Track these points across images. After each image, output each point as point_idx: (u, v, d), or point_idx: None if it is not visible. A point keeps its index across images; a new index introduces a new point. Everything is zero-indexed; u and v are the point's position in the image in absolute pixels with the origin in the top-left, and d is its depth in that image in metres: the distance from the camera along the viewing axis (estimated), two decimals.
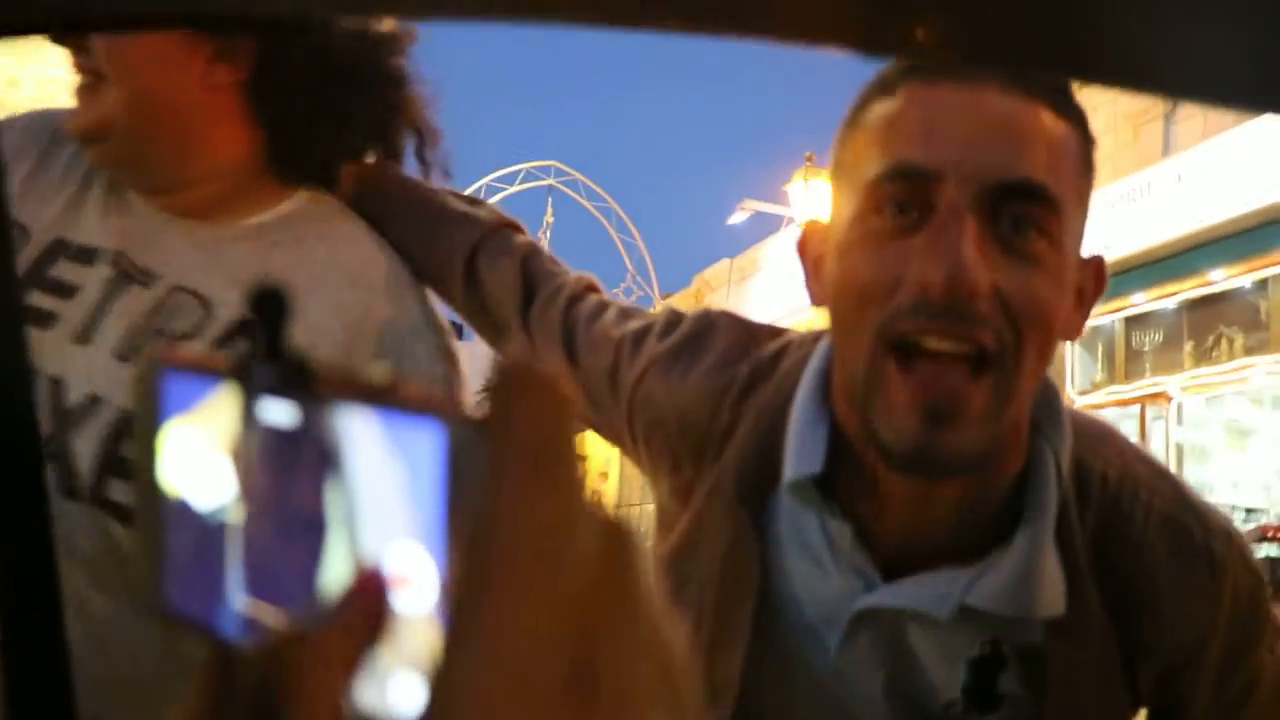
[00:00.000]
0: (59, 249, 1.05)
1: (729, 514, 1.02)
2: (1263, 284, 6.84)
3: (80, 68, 1.02)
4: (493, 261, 1.23)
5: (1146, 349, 7.73)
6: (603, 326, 1.18)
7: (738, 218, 13.99)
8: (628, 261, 15.98)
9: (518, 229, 1.26)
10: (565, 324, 1.20)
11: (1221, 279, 7.02)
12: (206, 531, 0.37)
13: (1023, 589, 0.91)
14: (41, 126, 1.13)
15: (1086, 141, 0.92)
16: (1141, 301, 7.50)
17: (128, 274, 1.05)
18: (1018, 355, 0.85)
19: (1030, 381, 0.88)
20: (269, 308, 0.35)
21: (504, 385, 0.29)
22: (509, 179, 15.27)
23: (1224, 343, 7.20)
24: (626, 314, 1.21)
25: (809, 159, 11.14)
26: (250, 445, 0.36)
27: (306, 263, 1.07)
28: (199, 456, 0.37)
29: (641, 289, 16.20)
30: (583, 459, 0.30)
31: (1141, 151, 7.80)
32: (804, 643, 1.01)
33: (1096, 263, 0.96)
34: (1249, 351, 6.97)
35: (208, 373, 0.37)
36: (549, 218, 16.13)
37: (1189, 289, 7.24)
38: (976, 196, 0.84)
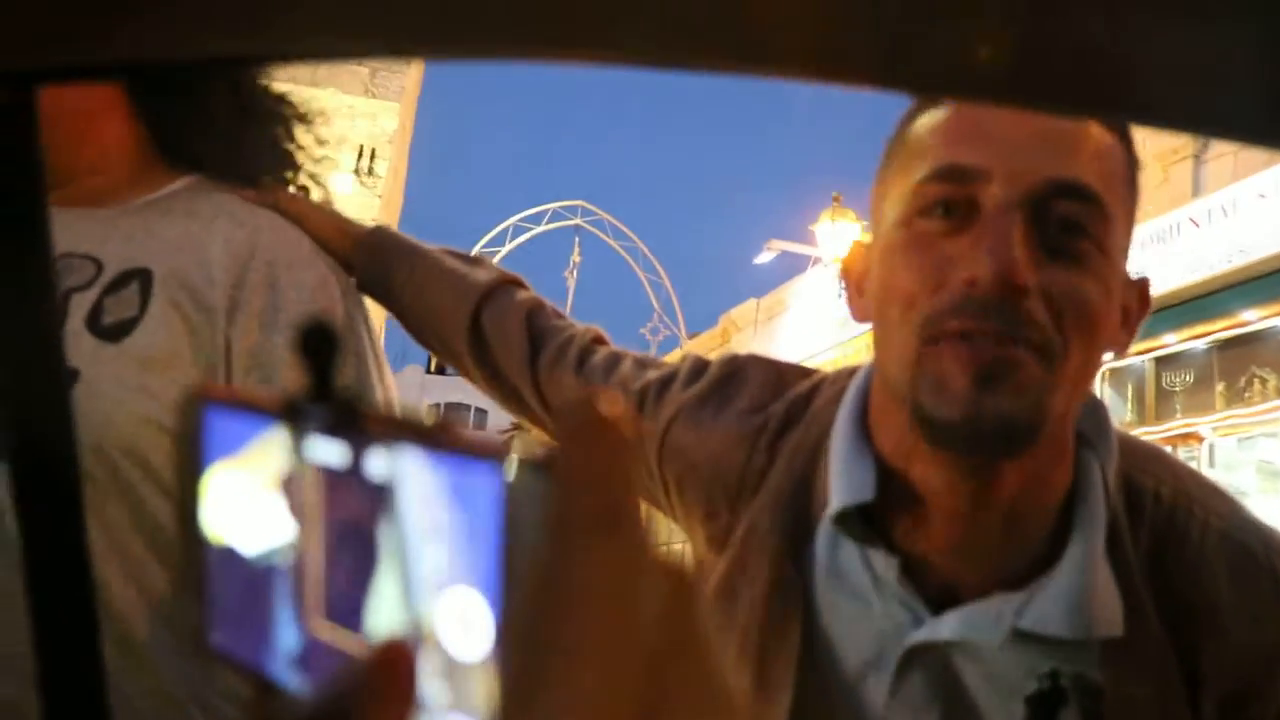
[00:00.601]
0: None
1: (767, 556, 1.00)
2: None
3: None
4: (496, 321, 1.22)
5: (1177, 389, 7.69)
6: (620, 379, 1.17)
7: (764, 258, 14.03)
8: (654, 301, 16.02)
9: (519, 284, 1.25)
10: (579, 379, 1.18)
11: (1254, 319, 6.98)
12: (254, 573, 0.37)
13: (1077, 609, 0.88)
14: None
15: (1132, 160, 0.91)
16: (1172, 342, 7.47)
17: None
18: (1064, 353, 0.84)
19: (1076, 380, 0.86)
20: (318, 345, 0.35)
21: (569, 425, 0.29)
22: (536, 219, 15.37)
23: (1256, 383, 7.15)
24: (643, 364, 1.20)
25: (836, 199, 11.19)
26: (300, 486, 0.35)
27: (197, 218, 1.12)
28: (246, 498, 0.37)
29: (668, 329, 16.22)
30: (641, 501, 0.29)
31: (1172, 192, 7.78)
32: (851, 689, 0.98)
33: (1142, 284, 0.95)
34: None
35: (254, 411, 0.37)
36: (576, 257, 16.20)
37: (1220, 329, 7.20)
38: (1024, 195, 0.83)
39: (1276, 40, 0.41)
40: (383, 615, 0.33)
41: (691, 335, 16.81)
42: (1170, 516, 0.94)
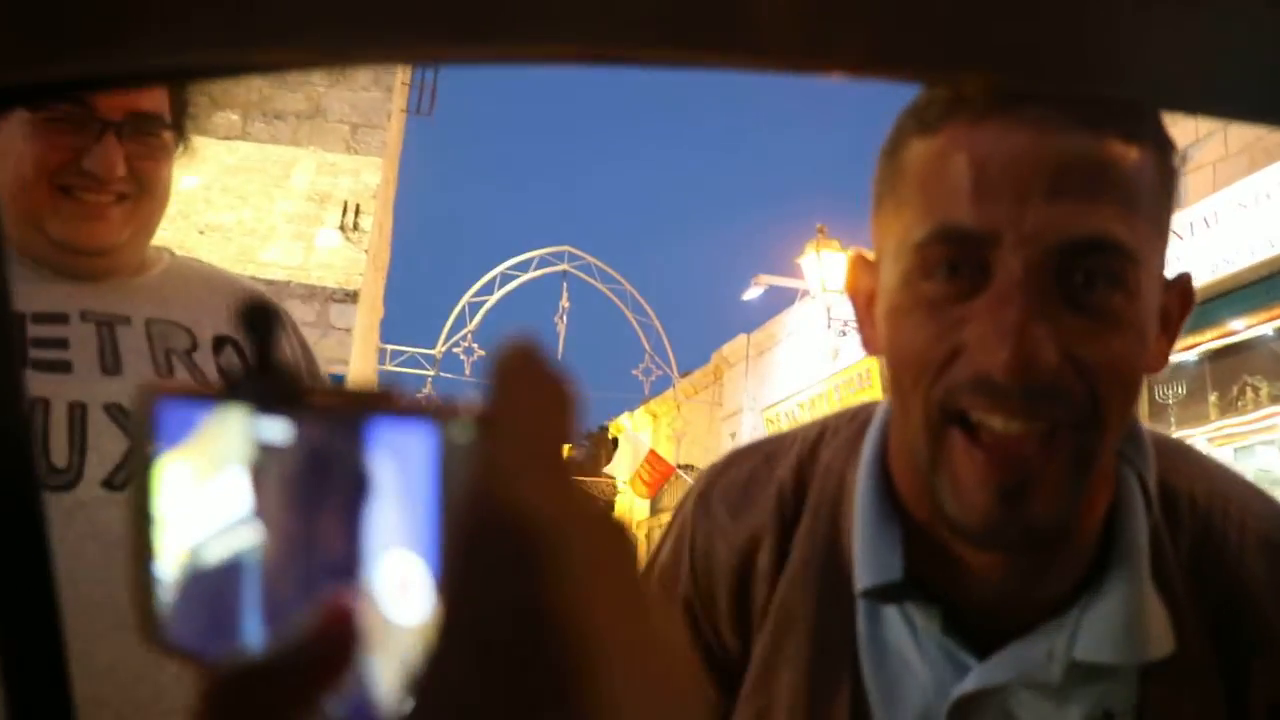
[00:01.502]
0: (92, 317, 1.29)
1: (804, 630, 0.95)
2: None
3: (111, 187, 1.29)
4: None
5: (1171, 402, 7.69)
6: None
7: (752, 293, 14.05)
8: (645, 342, 16.01)
9: None
10: None
11: (1242, 328, 7.00)
12: (213, 560, 0.37)
13: (1130, 631, 0.83)
14: None
15: (1164, 154, 0.81)
16: None
17: (108, 321, 1.29)
18: (1099, 420, 0.77)
19: (1114, 441, 0.81)
20: (258, 322, 0.35)
21: (500, 370, 0.28)
22: (523, 266, 15.38)
23: (1249, 392, 7.16)
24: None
25: (820, 230, 11.20)
26: (250, 465, 0.35)
27: (215, 289, 1.43)
28: (198, 484, 0.37)
29: (660, 369, 16.20)
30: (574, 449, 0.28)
31: None
32: None
33: (1183, 282, 0.88)
34: (1275, 400, 6.93)
35: (202, 399, 0.37)
36: (564, 303, 16.21)
37: (1210, 340, 7.21)
38: (1039, 259, 0.75)
39: (1273, 21, 0.41)
40: (336, 582, 0.32)
41: (684, 374, 16.78)
42: (1207, 520, 0.91)
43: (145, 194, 1.32)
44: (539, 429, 0.28)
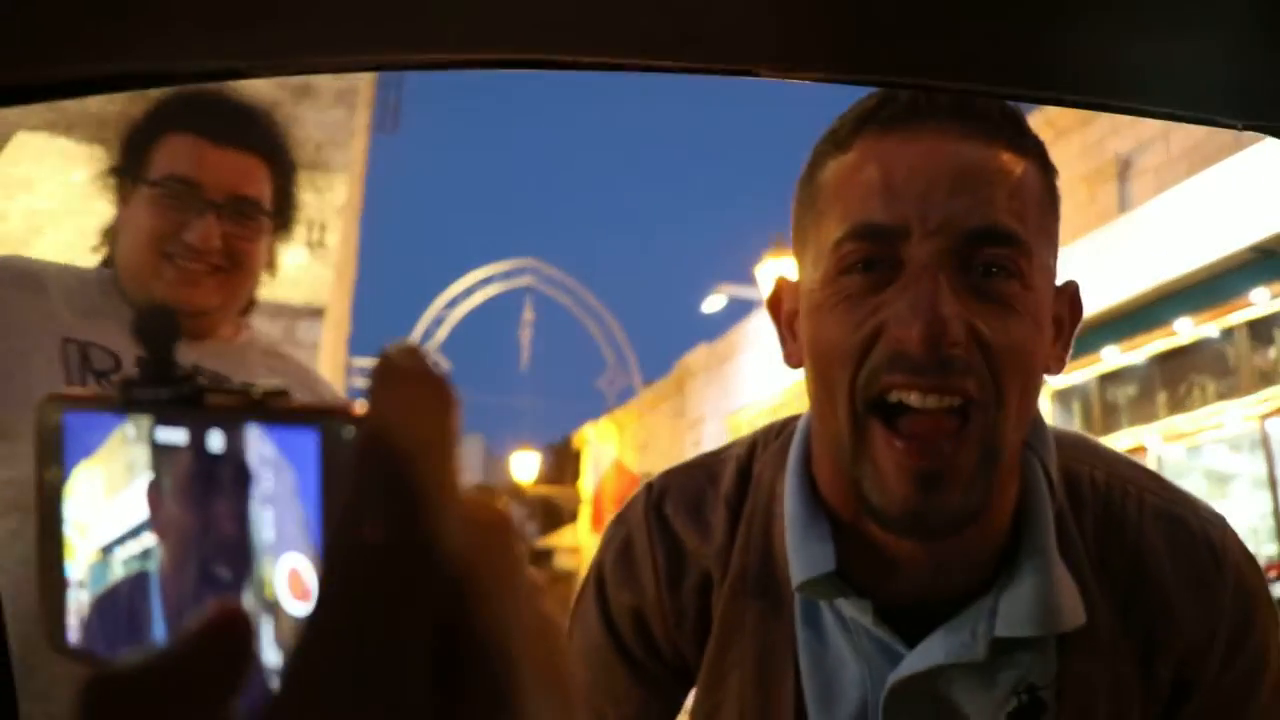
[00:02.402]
0: None
1: (746, 633, 0.99)
2: (1229, 331, 6.88)
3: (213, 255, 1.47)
4: None
5: (1122, 402, 7.77)
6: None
7: (713, 303, 14.04)
8: (608, 353, 16.04)
9: None
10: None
11: (1188, 329, 7.09)
12: (114, 568, 0.36)
13: (1043, 606, 0.88)
14: (83, 277, 1.54)
15: (1048, 172, 0.90)
16: (1113, 357, 7.58)
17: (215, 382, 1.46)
18: (1001, 400, 0.83)
19: (1019, 425, 0.87)
20: (157, 329, 0.34)
21: (379, 374, 0.28)
22: (487, 280, 15.38)
23: (1196, 391, 7.23)
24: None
25: (777, 240, 11.25)
26: (152, 472, 0.35)
27: (285, 359, 1.68)
28: (103, 492, 0.36)
29: (623, 379, 16.23)
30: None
31: (1099, 211, 7.92)
32: None
33: (1071, 289, 0.95)
34: (1221, 398, 7.01)
35: (105, 407, 0.36)
36: (528, 315, 16.21)
37: (1157, 341, 7.30)
38: (944, 248, 0.83)
39: (1241, 43, 0.47)
40: (234, 583, 0.32)
41: (647, 384, 16.80)
42: (1107, 499, 0.97)
43: (237, 268, 1.50)
44: (418, 426, 0.27)
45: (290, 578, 0.31)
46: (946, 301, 0.81)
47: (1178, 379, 7.39)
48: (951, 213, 0.83)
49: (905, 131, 0.86)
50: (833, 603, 0.95)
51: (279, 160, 1.56)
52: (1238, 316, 6.79)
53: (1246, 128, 0.69)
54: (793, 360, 0.98)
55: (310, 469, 0.30)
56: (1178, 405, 7.39)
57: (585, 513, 19.42)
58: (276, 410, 0.31)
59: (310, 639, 0.26)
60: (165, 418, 0.34)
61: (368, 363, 14.44)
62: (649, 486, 1.11)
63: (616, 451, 17.46)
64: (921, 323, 0.81)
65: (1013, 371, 0.84)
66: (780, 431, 1.08)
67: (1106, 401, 7.85)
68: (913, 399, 0.83)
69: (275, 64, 0.52)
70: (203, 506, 0.33)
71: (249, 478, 0.32)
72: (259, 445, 0.31)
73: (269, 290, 1.74)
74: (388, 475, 0.27)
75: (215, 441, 0.33)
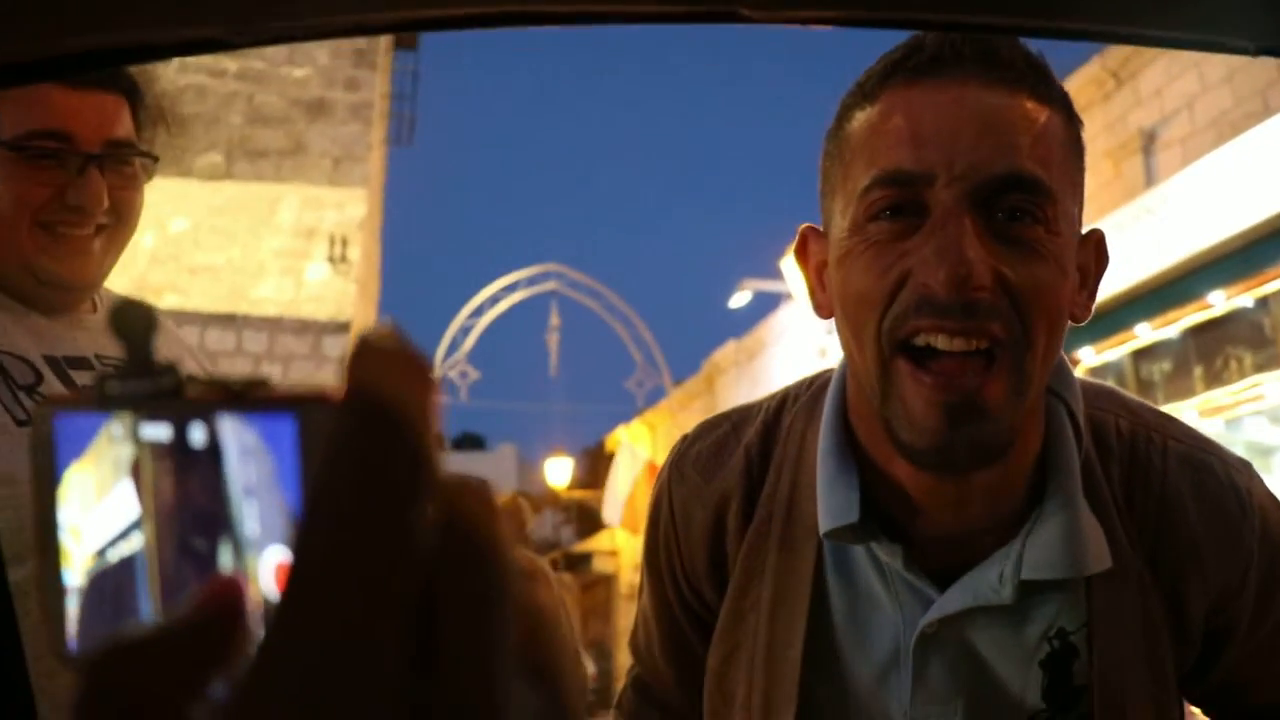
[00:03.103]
0: (56, 364, 1.30)
1: (768, 575, 1.02)
2: (1264, 301, 6.82)
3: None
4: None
5: (1156, 379, 7.71)
6: (650, 626, 1.20)
7: (739, 299, 14.04)
8: (636, 354, 16.03)
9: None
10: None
11: (1221, 301, 7.02)
12: (111, 568, 0.36)
13: (1069, 547, 0.90)
14: None
15: (1073, 121, 0.92)
16: (1145, 333, 7.50)
17: (68, 366, 1.32)
18: (1029, 342, 0.85)
19: (1044, 366, 0.89)
20: (134, 322, 0.34)
21: (354, 355, 0.28)
22: (512, 287, 15.40)
23: (1233, 364, 7.17)
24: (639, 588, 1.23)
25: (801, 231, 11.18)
26: (138, 469, 0.35)
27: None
28: (95, 495, 0.36)
29: (653, 380, 16.22)
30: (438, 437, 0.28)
31: (1125, 186, 7.86)
32: (872, 695, 0.98)
33: (1096, 238, 0.97)
34: (1258, 369, 6.94)
35: (91, 408, 0.36)
36: (554, 320, 16.22)
37: (1191, 314, 7.24)
38: (969, 193, 0.85)
39: None
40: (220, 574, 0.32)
41: (677, 383, 16.79)
42: (1133, 446, 0.99)
43: (121, 224, 1.35)
44: (396, 403, 0.27)
45: (277, 572, 0.31)
46: (972, 245, 0.84)
47: (1213, 352, 7.32)
48: (977, 159, 0.85)
49: (931, 81, 0.88)
50: (868, 547, 0.97)
51: (135, 93, 1.38)
52: (1272, 286, 6.69)
53: (1260, 52, 0.66)
54: (823, 311, 1.01)
55: (289, 456, 0.30)
56: (1214, 379, 7.32)
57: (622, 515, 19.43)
58: (255, 400, 0.32)
59: (284, 624, 0.26)
60: (148, 413, 0.34)
61: None
62: (682, 438, 1.18)
63: (649, 452, 17.46)
64: (948, 266, 0.83)
65: (1038, 313, 0.86)
66: (813, 384, 1.11)
67: (1141, 378, 7.79)
68: (939, 341, 0.85)
69: (254, 32, 0.50)
70: (189, 501, 0.34)
71: (232, 469, 0.32)
72: (240, 435, 0.32)
73: (294, 307, 1.72)
74: (365, 454, 0.26)
75: (197, 434, 0.33)
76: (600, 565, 19.79)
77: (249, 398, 0.32)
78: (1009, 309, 0.84)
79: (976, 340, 0.85)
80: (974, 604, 0.93)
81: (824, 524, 0.96)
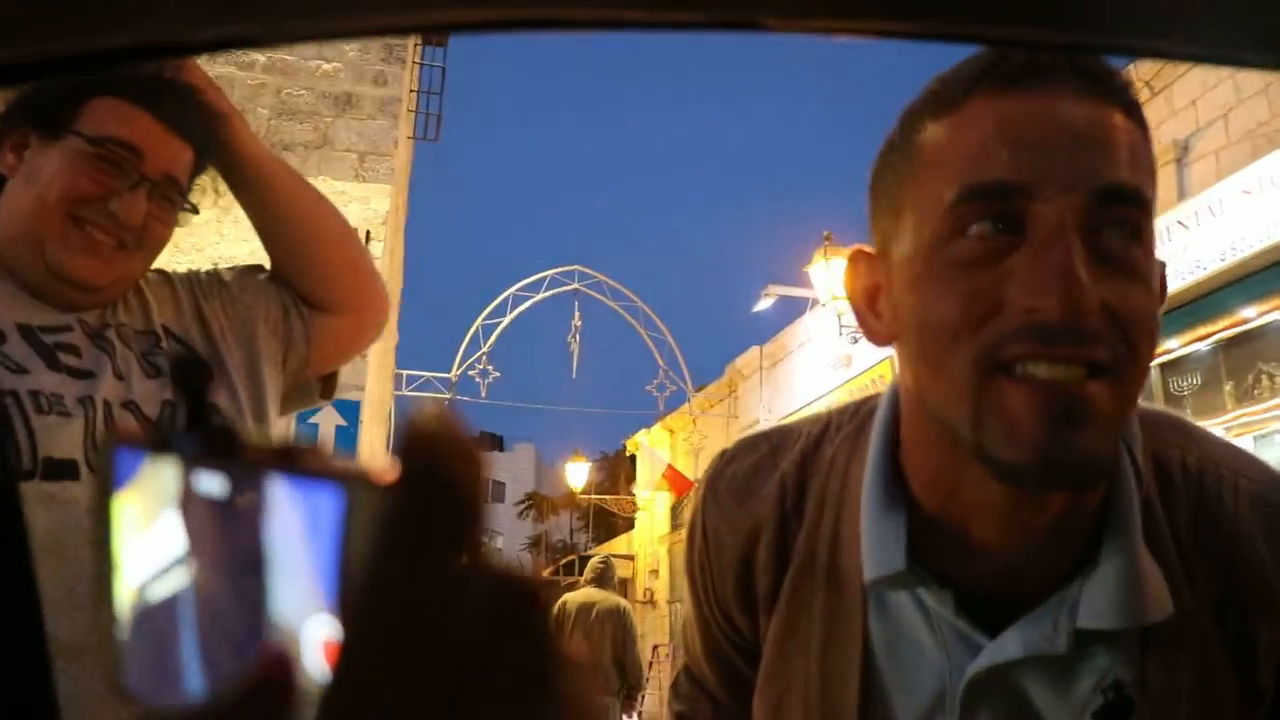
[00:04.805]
0: (29, 332, 1.35)
1: (815, 617, 0.98)
2: None
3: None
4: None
5: (1186, 394, 7.65)
6: (701, 646, 1.18)
7: (763, 304, 14.04)
8: (658, 357, 16.01)
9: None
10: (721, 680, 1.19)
11: (1254, 316, 6.96)
12: (160, 610, 0.36)
13: (1129, 595, 0.85)
14: None
15: (1149, 140, 0.86)
16: (1176, 347, 7.45)
17: (99, 332, 1.39)
18: (1132, 366, 0.80)
19: (1139, 390, 0.83)
20: (190, 377, 0.35)
21: (408, 440, 0.28)
22: (534, 287, 15.39)
23: (1264, 380, 7.12)
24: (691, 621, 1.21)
25: (827, 238, 11.19)
26: (190, 519, 0.35)
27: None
28: (145, 533, 0.37)
29: (674, 384, 16.19)
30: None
31: (1159, 197, 7.81)
32: None
33: (1160, 266, 0.88)
34: None
35: (151, 448, 0.36)
36: (577, 321, 16.20)
37: (1222, 329, 7.18)
38: (1077, 210, 0.79)
39: None
40: (263, 635, 0.33)
41: (699, 388, 16.76)
42: (1200, 485, 0.93)
43: (141, 249, 1.42)
44: (446, 490, 0.27)
45: (324, 648, 0.30)
46: (1081, 267, 0.77)
47: (1245, 368, 7.26)
48: (1079, 170, 0.79)
49: (1024, 90, 0.82)
50: (914, 591, 0.93)
51: (205, 156, 1.50)
52: None
53: None
54: (878, 338, 0.94)
55: (331, 530, 0.30)
56: (1245, 395, 7.26)
57: (639, 522, 19.42)
58: (305, 466, 0.31)
59: (334, 706, 0.26)
60: (202, 465, 0.34)
61: (415, 373, 14.58)
62: (721, 454, 1.14)
63: (670, 456, 17.45)
64: (1059, 291, 0.77)
65: (1141, 339, 0.80)
66: (856, 412, 1.07)
67: (1170, 393, 7.72)
68: (1041, 370, 0.79)
69: (279, 33, 0.48)
70: (233, 556, 0.34)
71: (275, 533, 0.32)
72: (286, 501, 0.32)
73: None
74: (412, 541, 0.26)
75: (246, 493, 0.33)
76: (616, 570, 19.79)
77: (299, 463, 0.32)
78: (1113, 335, 0.79)
79: (1078, 368, 0.78)
80: (1024, 654, 0.88)
81: (869, 572, 0.92)
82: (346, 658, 0.27)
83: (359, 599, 0.27)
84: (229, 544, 0.34)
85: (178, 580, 0.36)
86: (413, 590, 0.26)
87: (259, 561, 0.32)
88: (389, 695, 0.25)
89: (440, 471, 0.27)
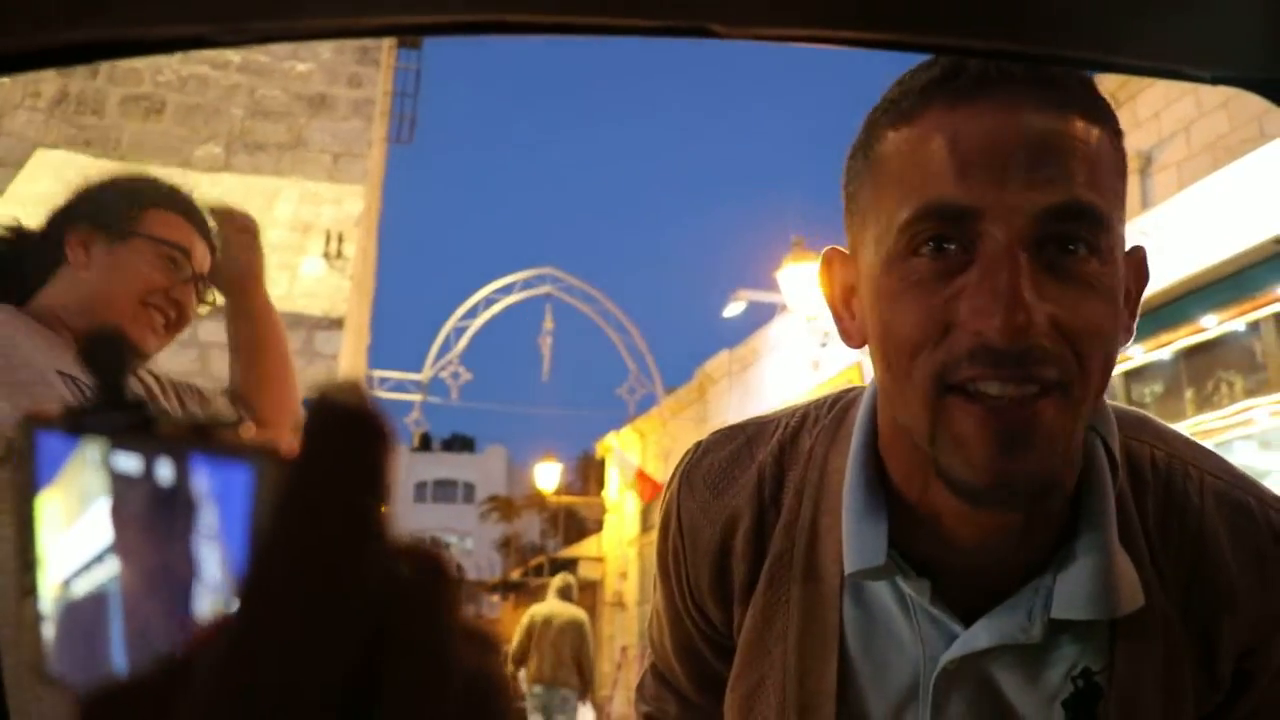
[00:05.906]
0: (69, 380, 1.53)
1: (791, 607, 0.99)
2: (1255, 325, 6.81)
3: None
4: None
5: (1148, 400, 7.71)
6: (664, 634, 1.19)
7: (733, 309, 14.02)
8: (629, 361, 16.02)
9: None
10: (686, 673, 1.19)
11: (1214, 325, 7.00)
12: (83, 593, 0.36)
13: (1101, 588, 0.86)
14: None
15: (1118, 134, 0.85)
16: (1138, 355, 7.51)
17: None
18: (1083, 380, 0.80)
19: (1096, 399, 0.84)
20: (104, 355, 0.35)
21: (313, 411, 0.28)
22: (507, 289, 15.38)
23: (1224, 388, 7.16)
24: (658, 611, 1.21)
25: (796, 243, 11.22)
26: (108, 498, 0.35)
27: None
28: (66, 517, 0.36)
29: (645, 387, 16.21)
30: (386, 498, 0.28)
31: None
32: None
33: (1138, 256, 0.91)
34: (1249, 394, 6.92)
35: (67, 431, 0.36)
36: (548, 324, 16.19)
37: (1183, 337, 7.22)
38: (1022, 229, 0.79)
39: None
40: (186, 611, 0.33)
41: (668, 390, 16.77)
42: (1169, 481, 0.94)
43: (178, 324, 1.79)
44: (351, 466, 0.27)
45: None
46: (1028, 288, 0.78)
47: (1205, 375, 7.32)
48: (1029, 190, 0.79)
49: (976, 103, 0.81)
50: (892, 580, 0.94)
51: (215, 253, 1.89)
52: (1265, 311, 6.70)
53: (1215, 81, 0.66)
54: (851, 340, 0.95)
55: (242, 506, 0.30)
56: (1205, 402, 7.32)
57: (608, 524, 19.41)
58: (218, 442, 0.31)
59: (232, 666, 0.26)
60: (119, 444, 0.34)
61: (386, 374, 14.53)
62: (695, 445, 1.14)
63: (640, 460, 17.45)
64: (1003, 314, 0.77)
65: (1093, 352, 0.80)
66: (834, 404, 1.07)
67: (1133, 400, 7.78)
68: (992, 389, 0.79)
69: (245, 32, 0.52)
70: (155, 536, 0.34)
71: (196, 509, 0.32)
72: (202, 477, 0.32)
73: (288, 301, 1.91)
74: (312, 517, 0.26)
75: (165, 471, 0.33)
76: (586, 571, 19.77)
77: (214, 439, 0.32)
78: (1064, 351, 0.79)
79: (1030, 386, 0.79)
80: (998, 643, 0.90)
81: (850, 565, 0.93)
82: (246, 620, 0.26)
83: (258, 565, 0.27)
84: (155, 523, 0.34)
85: (99, 563, 0.35)
86: (310, 557, 0.26)
87: (178, 540, 0.32)
88: (287, 660, 0.25)
89: (341, 439, 0.27)
